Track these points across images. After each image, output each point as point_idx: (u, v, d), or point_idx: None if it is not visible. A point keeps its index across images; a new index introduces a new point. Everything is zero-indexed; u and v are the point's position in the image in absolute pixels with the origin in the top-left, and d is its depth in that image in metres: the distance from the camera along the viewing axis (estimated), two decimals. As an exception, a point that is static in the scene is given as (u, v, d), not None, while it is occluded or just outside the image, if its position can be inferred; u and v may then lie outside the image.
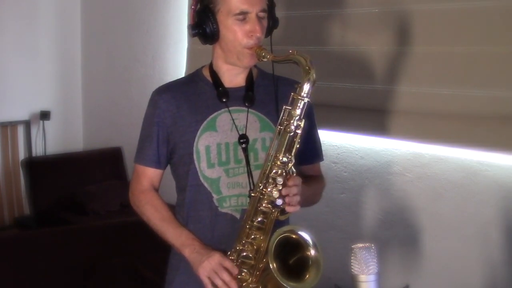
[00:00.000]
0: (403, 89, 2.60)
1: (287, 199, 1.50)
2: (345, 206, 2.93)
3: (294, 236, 1.50)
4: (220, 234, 1.64)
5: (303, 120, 1.52)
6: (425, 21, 2.52)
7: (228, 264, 1.54)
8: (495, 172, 2.38)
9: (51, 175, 4.15)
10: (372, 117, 2.72)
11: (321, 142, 1.83)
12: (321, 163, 1.83)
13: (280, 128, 1.53)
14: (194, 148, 1.64)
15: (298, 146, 1.53)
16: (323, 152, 1.84)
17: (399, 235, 2.72)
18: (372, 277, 1.39)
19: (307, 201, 1.69)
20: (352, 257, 1.41)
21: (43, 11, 4.49)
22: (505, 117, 2.28)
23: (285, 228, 1.50)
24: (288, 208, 1.52)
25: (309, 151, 1.75)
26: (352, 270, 1.40)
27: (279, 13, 1.69)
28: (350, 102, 2.80)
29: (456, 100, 2.42)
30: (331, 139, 2.90)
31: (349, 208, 2.92)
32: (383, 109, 2.67)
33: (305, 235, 1.50)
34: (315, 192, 1.75)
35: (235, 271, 1.53)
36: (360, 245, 1.43)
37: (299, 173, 1.78)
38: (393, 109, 2.65)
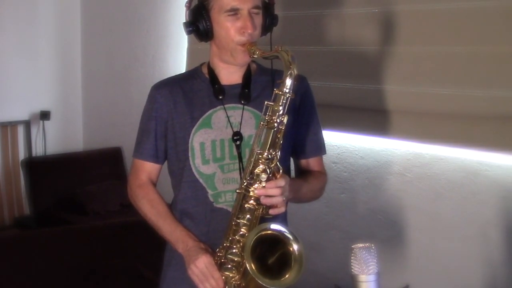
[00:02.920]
0: (403, 89, 2.60)
1: (262, 200, 1.50)
2: (345, 206, 2.93)
3: (272, 233, 1.50)
4: (216, 229, 1.65)
5: (286, 116, 1.52)
6: (425, 21, 2.52)
7: (215, 274, 1.55)
8: (495, 172, 2.38)
9: (51, 175, 4.15)
10: (372, 117, 2.72)
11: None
12: (321, 162, 1.83)
13: (262, 124, 1.53)
14: (189, 145, 1.66)
15: (281, 142, 1.53)
16: None
17: (399, 235, 2.72)
18: (372, 277, 1.39)
19: (304, 197, 1.69)
20: (352, 257, 1.41)
21: (43, 11, 4.49)
22: (505, 117, 2.28)
23: (263, 225, 1.50)
24: (271, 211, 1.52)
25: (308, 145, 1.75)
26: (352, 270, 1.40)
27: (278, 13, 1.69)
28: (350, 102, 2.80)
29: (456, 100, 2.41)
30: (331, 139, 2.89)
31: (349, 208, 2.92)
32: (383, 109, 2.67)
33: (283, 230, 1.50)
34: (313, 189, 1.74)
35: (220, 283, 1.54)
36: (360, 245, 1.42)
37: (297, 168, 1.79)
38: (393, 109, 2.65)
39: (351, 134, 2.88)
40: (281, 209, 1.53)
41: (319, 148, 1.79)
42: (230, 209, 1.64)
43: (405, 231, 2.70)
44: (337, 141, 2.92)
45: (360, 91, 2.75)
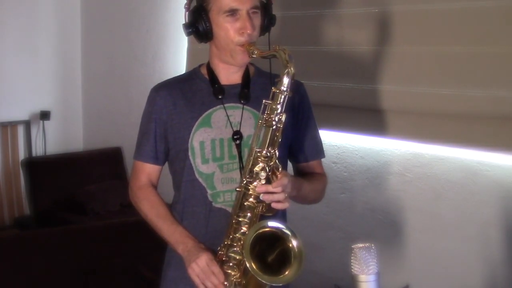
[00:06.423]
0: (402, 89, 2.60)
1: (263, 197, 1.51)
2: (345, 206, 2.93)
3: (271, 230, 1.50)
4: (214, 229, 1.65)
5: (284, 114, 1.53)
6: (424, 20, 2.52)
7: (215, 269, 1.56)
8: (495, 172, 2.38)
9: (51, 175, 4.16)
10: (372, 117, 2.72)
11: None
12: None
13: (260, 122, 1.54)
14: (189, 144, 1.66)
15: (280, 140, 1.54)
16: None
17: (399, 235, 2.72)
18: (372, 277, 1.39)
19: (306, 198, 1.70)
20: (352, 257, 1.41)
21: (43, 11, 4.49)
22: (505, 117, 2.28)
23: (261, 223, 1.51)
24: (274, 205, 1.52)
25: (308, 148, 1.76)
26: (352, 270, 1.40)
27: (277, 13, 1.69)
28: (350, 102, 2.80)
29: (456, 100, 2.41)
30: (331, 139, 2.89)
31: (349, 208, 2.92)
32: (383, 109, 2.67)
33: (281, 227, 1.50)
34: (315, 189, 1.75)
35: (221, 277, 1.55)
36: (360, 245, 1.42)
37: (297, 173, 1.79)
38: (393, 109, 2.65)
39: (351, 134, 2.88)
40: (285, 204, 1.53)
41: (318, 151, 1.80)
42: (229, 209, 1.64)
43: (405, 231, 2.70)
44: (337, 141, 2.92)
45: (360, 91, 2.75)
